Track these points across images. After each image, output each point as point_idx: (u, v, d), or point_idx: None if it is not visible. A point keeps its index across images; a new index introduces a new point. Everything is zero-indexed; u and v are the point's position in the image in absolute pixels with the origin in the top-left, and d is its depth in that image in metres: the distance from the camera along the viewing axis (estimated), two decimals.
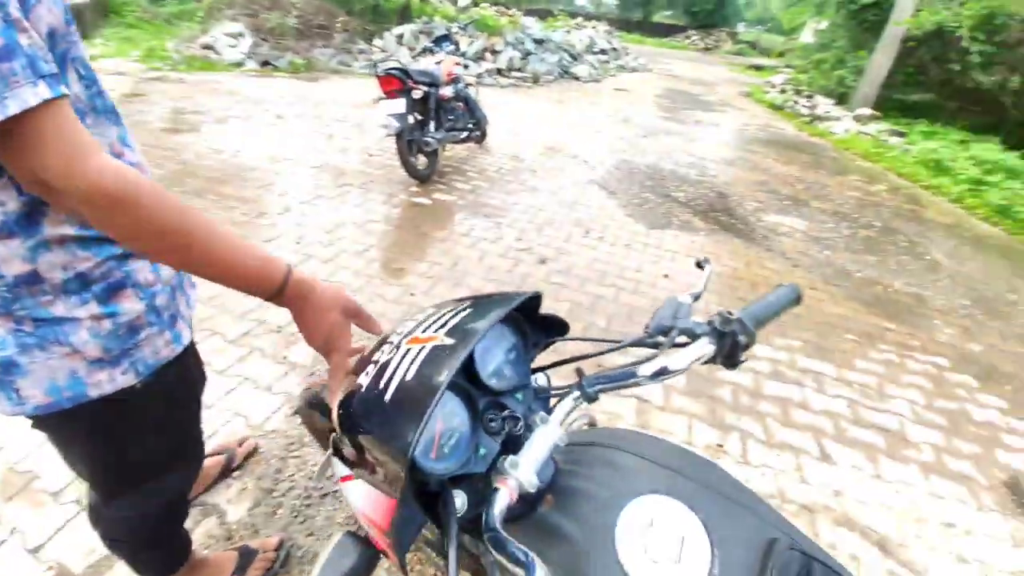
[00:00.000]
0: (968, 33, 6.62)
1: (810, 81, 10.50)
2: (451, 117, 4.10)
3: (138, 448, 0.79)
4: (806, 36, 17.36)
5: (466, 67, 5.21)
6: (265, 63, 7.20)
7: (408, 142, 3.59)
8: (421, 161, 3.85)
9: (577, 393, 0.61)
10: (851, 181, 5.80)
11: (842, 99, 9.32)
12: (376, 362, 0.59)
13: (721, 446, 1.91)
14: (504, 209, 3.65)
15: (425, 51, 4.31)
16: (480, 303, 0.63)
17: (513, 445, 0.57)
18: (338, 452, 0.66)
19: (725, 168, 5.58)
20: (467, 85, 4.40)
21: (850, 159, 6.88)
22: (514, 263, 2.95)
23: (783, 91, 10.65)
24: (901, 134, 7.34)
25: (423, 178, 3.84)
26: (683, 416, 2.02)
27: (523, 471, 0.51)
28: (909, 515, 1.73)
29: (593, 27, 15.64)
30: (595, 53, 12.77)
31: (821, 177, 5.78)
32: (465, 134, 4.34)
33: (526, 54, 9.80)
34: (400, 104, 3.38)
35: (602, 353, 0.67)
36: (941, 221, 4.86)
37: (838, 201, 5.00)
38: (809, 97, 9.73)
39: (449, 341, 0.55)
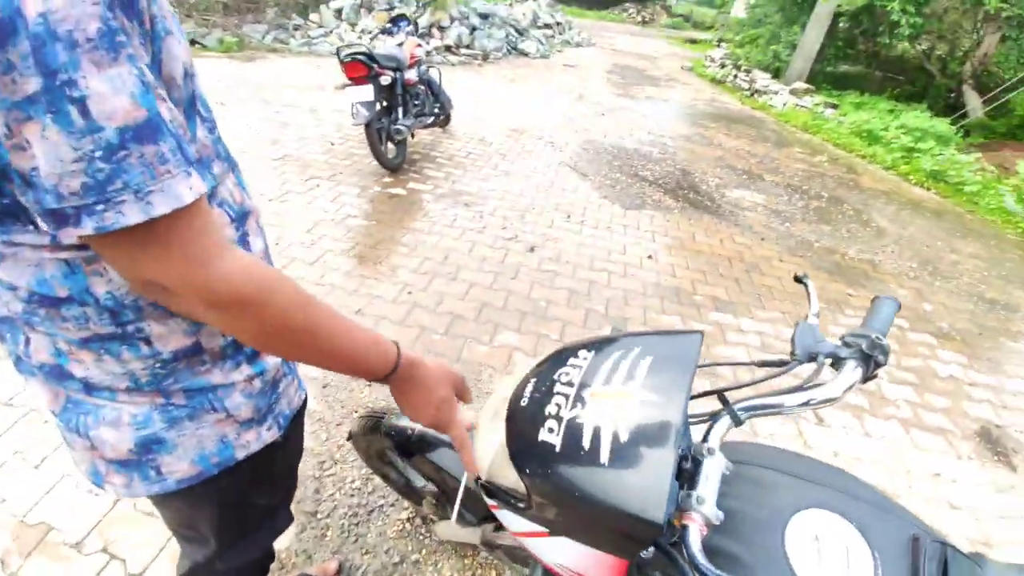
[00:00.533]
0: (900, 7, 7.09)
1: (747, 56, 10.91)
2: (416, 102, 3.93)
3: (265, 495, 0.77)
4: (737, 10, 17.95)
5: (428, 53, 5.00)
6: (192, 42, 6.56)
7: (377, 131, 3.42)
8: (391, 150, 3.69)
9: (728, 419, 0.62)
10: (795, 153, 6.15)
11: (777, 73, 9.77)
12: (556, 417, 0.57)
13: None
14: (483, 196, 3.58)
15: (383, 32, 4.08)
16: (648, 344, 0.62)
17: (683, 479, 0.58)
18: (499, 500, 0.64)
19: (683, 144, 5.75)
20: (429, 67, 4.23)
21: (791, 132, 7.28)
22: (504, 252, 2.91)
23: (723, 65, 11.02)
24: (834, 106, 7.82)
25: (394, 167, 3.69)
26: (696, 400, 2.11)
27: (708, 506, 0.52)
28: (899, 468, 1.91)
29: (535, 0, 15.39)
30: (540, 28, 12.60)
31: (768, 150, 6.08)
32: (431, 119, 4.20)
33: (472, 29, 9.52)
34: (368, 91, 3.20)
35: (756, 382, 0.67)
36: (879, 188, 5.28)
37: (788, 174, 5.29)
38: (747, 71, 10.12)
39: (653, 397, 0.54)
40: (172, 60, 0.44)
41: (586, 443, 0.53)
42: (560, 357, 0.69)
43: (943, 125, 6.22)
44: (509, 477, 0.61)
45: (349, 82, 3.20)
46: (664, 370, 0.58)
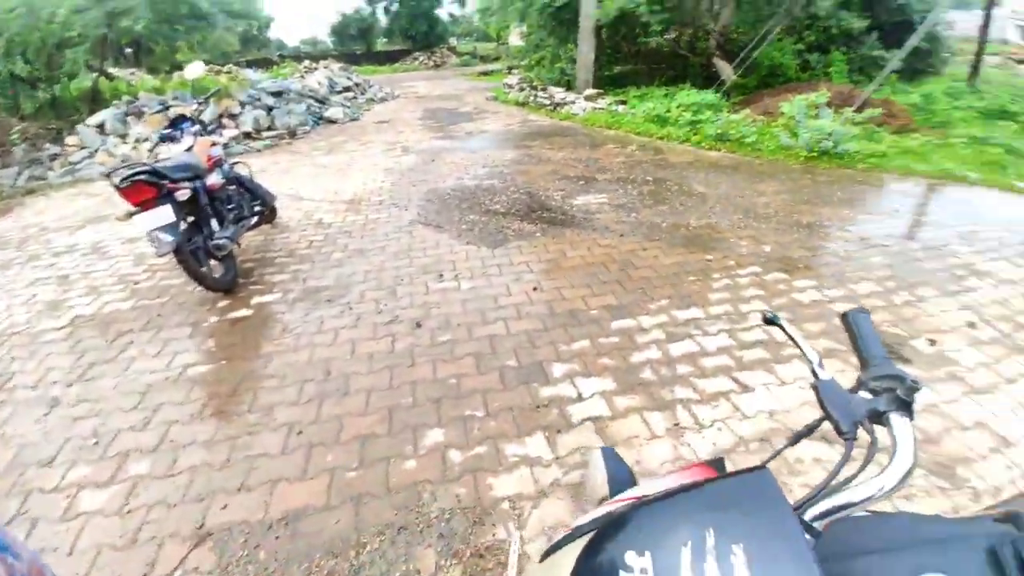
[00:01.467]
0: (647, 9, 8.39)
1: (538, 76, 12.00)
2: (231, 206, 3.46)
3: None
4: (513, 39, 19.82)
5: (226, 146, 4.48)
6: None
7: (192, 252, 2.89)
8: (216, 267, 3.15)
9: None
10: (611, 149, 6.80)
11: (569, 86, 10.89)
12: None
13: (678, 424, 2.00)
14: (343, 285, 3.23)
15: (164, 140, 3.52)
16: (716, 516, 0.47)
17: None
18: None
19: (517, 168, 5.98)
20: (234, 164, 3.77)
21: (598, 132, 8.08)
22: (391, 340, 2.62)
23: (522, 89, 11.94)
24: (623, 102, 8.91)
25: (226, 286, 3.14)
26: (634, 414, 2.05)
27: None
28: None
29: (326, 67, 15.21)
30: (340, 92, 12.43)
31: (589, 153, 6.63)
32: (255, 219, 3.73)
33: (269, 110, 8.97)
34: (165, 213, 2.68)
35: (828, 485, 0.53)
36: (684, 160, 6.05)
37: (613, 169, 5.80)
38: (544, 89, 11.10)
39: None
40: None
41: None
42: (598, 563, 0.50)
43: (710, 95, 7.44)
44: None
45: (135, 209, 2.65)
46: (767, 555, 0.43)
